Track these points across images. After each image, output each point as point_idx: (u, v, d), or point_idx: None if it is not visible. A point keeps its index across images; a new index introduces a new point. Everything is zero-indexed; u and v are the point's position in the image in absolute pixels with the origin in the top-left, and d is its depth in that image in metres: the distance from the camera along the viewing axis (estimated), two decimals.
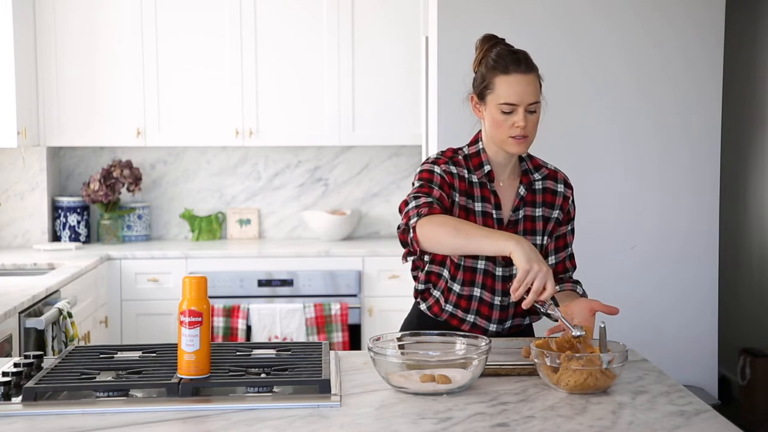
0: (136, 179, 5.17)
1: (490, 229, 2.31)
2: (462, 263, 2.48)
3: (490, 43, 2.47)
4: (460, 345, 2.20)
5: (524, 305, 2.17)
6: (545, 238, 2.54)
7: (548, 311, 2.21)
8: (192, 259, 4.85)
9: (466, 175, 2.48)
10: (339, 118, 5.09)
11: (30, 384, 2.01)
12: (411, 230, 2.33)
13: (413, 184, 2.47)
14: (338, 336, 4.69)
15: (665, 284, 4.02)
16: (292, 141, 5.14)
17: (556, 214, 2.55)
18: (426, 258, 2.54)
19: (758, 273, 5.11)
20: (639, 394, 2.05)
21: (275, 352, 2.30)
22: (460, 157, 2.51)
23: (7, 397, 1.98)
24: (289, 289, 4.82)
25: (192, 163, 5.40)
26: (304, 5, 5.05)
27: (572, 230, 2.60)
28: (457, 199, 2.45)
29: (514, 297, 2.17)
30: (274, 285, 4.82)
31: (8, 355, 3.26)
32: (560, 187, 2.56)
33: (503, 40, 2.49)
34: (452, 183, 2.45)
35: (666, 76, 3.98)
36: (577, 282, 2.56)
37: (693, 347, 4.05)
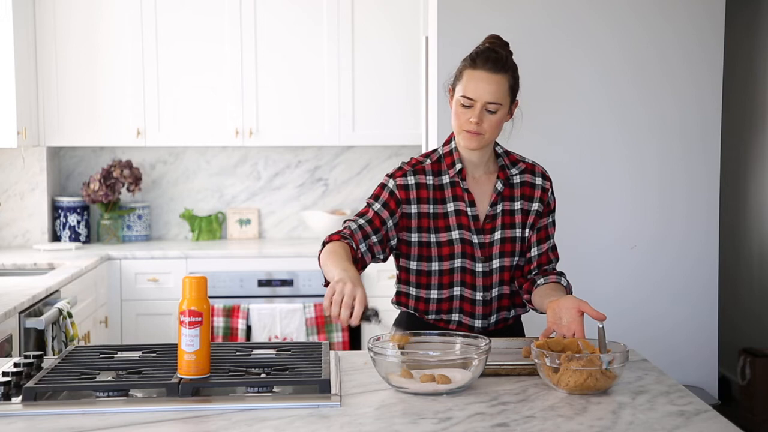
0: (136, 179, 5.17)
1: (336, 261, 2.29)
2: (438, 269, 2.50)
3: (487, 40, 2.49)
4: (460, 345, 2.20)
5: (352, 322, 2.13)
6: (527, 230, 2.54)
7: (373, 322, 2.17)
8: (192, 259, 4.85)
9: (430, 181, 2.51)
10: (339, 118, 5.09)
11: (30, 384, 2.01)
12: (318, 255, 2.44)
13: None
14: (338, 336, 4.69)
15: (665, 284, 4.03)
16: (292, 141, 5.14)
17: (536, 206, 2.55)
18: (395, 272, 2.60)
19: (758, 273, 5.11)
20: (639, 394, 2.05)
21: (275, 352, 2.30)
22: (427, 162, 2.53)
23: (7, 397, 1.98)
24: (289, 289, 4.82)
25: (192, 163, 5.40)
26: (304, 5, 5.05)
27: (553, 222, 2.60)
28: (413, 210, 2.49)
29: (326, 312, 2.15)
30: (274, 285, 4.82)
31: (8, 355, 3.26)
32: (538, 180, 2.56)
33: (500, 41, 2.49)
34: (405, 197, 2.48)
35: (666, 76, 3.98)
36: (561, 273, 2.55)
37: (693, 347, 4.05)
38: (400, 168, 2.53)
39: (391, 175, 2.52)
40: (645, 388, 2.11)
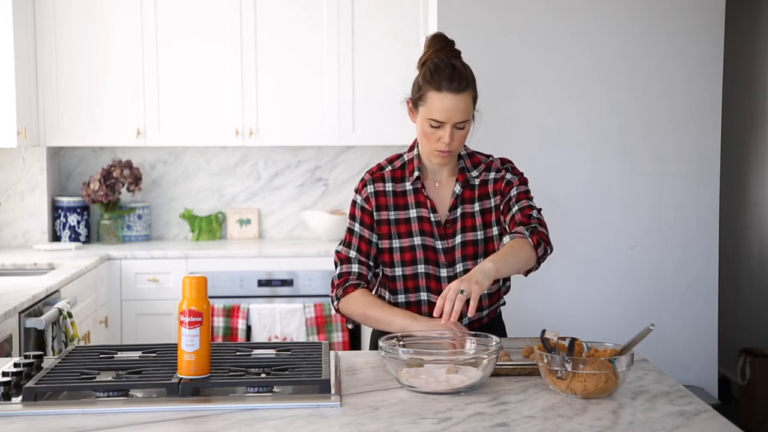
0: (136, 179, 5.17)
1: (390, 309, 2.42)
2: (402, 273, 2.53)
3: (436, 47, 2.46)
4: (470, 344, 2.21)
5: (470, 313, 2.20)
6: (493, 228, 2.52)
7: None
8: (192, 259, 4.85)
9: (390, 188, 2.54)
10: (339, 118, 5.09)
11: (30, 384, 2.01)
12: (336, 308, 2.54)
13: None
14: (338, 336, 4.69)
15: (665, 284, 4.03)
16: (292, 141, 5.14)
17: (494, 201, 2.52)
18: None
19: (758, 272, 5.11)
20: (639, 394, 2.05)
21: (275, 352, 2.30)
22: (388, 169, 2.56)
23: (7, 397, 1.98)
24: (289, 289, 4.82)
25: (192, 163, 5.40)
26: (304, 5, 5.05)
27: (524, 192, 2.49)
28: (380, 217, 2.53)
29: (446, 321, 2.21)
30: (274, 285, 4.82)
31: (8, 355, 3.26)
32: (492, 174, 2.53)
33: (450, 44, 2.46)
34: (372, 206, 2.53)
35: (666, 76, 3.98)
36: (528, 226, 2.42)
37: (693, 347, 4.05)
38: (362, 179, 2.58)
39: (357, 190, 2.58)
40: (645, 388, 2.11)
